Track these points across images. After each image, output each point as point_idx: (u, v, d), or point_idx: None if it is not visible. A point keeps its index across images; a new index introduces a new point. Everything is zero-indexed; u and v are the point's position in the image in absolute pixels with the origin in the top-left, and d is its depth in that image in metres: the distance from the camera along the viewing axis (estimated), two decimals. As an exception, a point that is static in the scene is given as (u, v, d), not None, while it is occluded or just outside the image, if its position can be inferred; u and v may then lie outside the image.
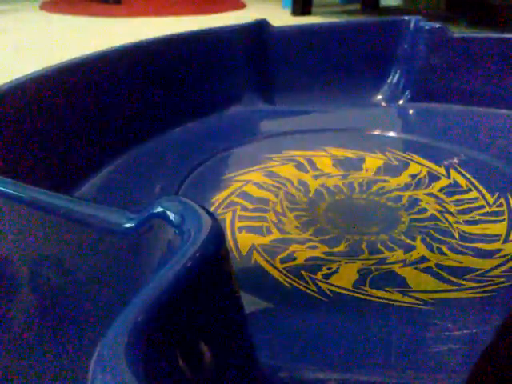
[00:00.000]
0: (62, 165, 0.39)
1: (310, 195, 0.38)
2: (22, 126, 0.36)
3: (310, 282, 0.29)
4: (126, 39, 0.50)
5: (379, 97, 0.58)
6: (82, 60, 0.43)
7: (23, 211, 0.22)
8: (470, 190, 0.39)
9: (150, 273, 0.16)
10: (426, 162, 0.44)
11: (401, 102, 0.57)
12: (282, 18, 1.25)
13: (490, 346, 0.16)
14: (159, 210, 0.18)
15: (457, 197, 0.38)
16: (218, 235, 0.17)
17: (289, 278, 0.29)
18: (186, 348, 0.15)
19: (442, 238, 0.33)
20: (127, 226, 0.18)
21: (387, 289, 0.28)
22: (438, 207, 0.36)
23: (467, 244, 0.32)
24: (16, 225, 0.22)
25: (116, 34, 1.08)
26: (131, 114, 0.47)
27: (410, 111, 0.56)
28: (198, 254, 0.16)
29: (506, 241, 0.32)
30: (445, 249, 0.32)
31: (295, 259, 0.31)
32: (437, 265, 0.30)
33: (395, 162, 0.44)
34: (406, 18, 0.58)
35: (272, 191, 0.39)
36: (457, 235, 0.33)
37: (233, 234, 0.34)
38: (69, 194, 0.23)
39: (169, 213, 0.18)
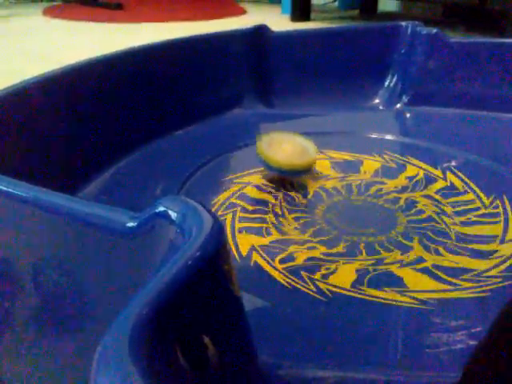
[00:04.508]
0: (64, 166, 0.39)
1: (309, 197, 0.39)
2: (25, 128, 0.37)
3: (308, 281, 0.29)
4: (128, 44, 0.50)
5: (377, 101, 0.59)
6: (85, 64, 0.44)
7: (26, 211, 0.22)
8: (467, 191, 0.40)
9: (152, 271, 0.17)
10: (422, 164, 0.44)
11: (398, 105, 0.58)
12: (281, 23, 1.26)
13: (483, 339, 0.16)
14: (161, 209, 0.18)
15: (453, 198, 0.38)
16: (218, 233, 0.17)
17: (288, 277, 0.29)
18: (186, 343, 0.16)
19: (439, 238, 0.33)
20: (129, 225, 0.19)
21: (385, 289, 0.28)
22: (435, 209, 0.37)
23: (463, 245, 0.33)
24: (19, 224, 0.23)
25: (117, 39, 1.09)
26: (133, 117, 0.48)
27: (407, 115, 0.57)
28: (199, 252, 0.16)
29: (501, 242, 0.33)
30: (441, 249, 0.32)
31: (294, 259, 0.31)
32: (434, 265, 0.30)
33: (393, 165, 0.44)
34: (403, 23, 0.59)
35: (271, 193, 0.39)
36: (453, 236, 0.34)
37: (233, 234, 0.34)
38: (72, 195, 0.24)
39: (170, 212, 0.18)
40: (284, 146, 0.40)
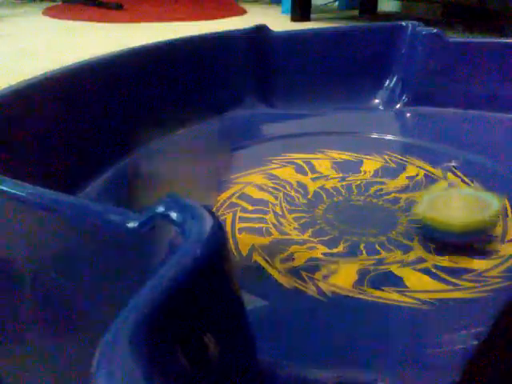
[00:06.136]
0: (65, 166, 0.39)
1: (309, 197, 0.39)
2: (25, 128, 0.37)
3: (309, 282, 0.29)
4: (128, 44, 0.50)
5: (377, 101, 0.59)
6: (85, 64, 0.44)
7: (28, 211, 0.22)
8: (467, 191, 0.39)
9: (152, 271, 0.17)
10: (423, 164, 0.44)
11: (398, 105, 0.58)
12: (281, 23, 1.27)
13: (484, 339, 0.16)
14: (161, 209, 0.18)
15: (454, 199, 0.38)
16: (219, 233, 0.17)
17: (288, 278, 0.29)
18: (187, 343, 0.16)
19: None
20: (130, 225, 0.19)
21: (385, 289, 0.28)
22: (436, 209, 0.37)
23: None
24: (20, 224, 0.23)
25: (118, 39, 1.09)
26: (134, 117, 0.48)
27: (408, 115, 0.57)
28: (199, 252, 0.16)
29: (502, 241, 0.33)
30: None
31: (294, 260, 0.31)
32: (434, 265, 0.30)
33: (393, 165, 0.44)
34: (403, 23, 0.59)
35: (272, 193, 0.39)
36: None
37: (233, 234, 0.34)
38: (72, 195, 0.24)
39: (171, 212, 0.18)
40: (453, 203, 0.31)
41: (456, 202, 0.31)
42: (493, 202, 0.31)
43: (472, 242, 0.31)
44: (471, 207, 0.31)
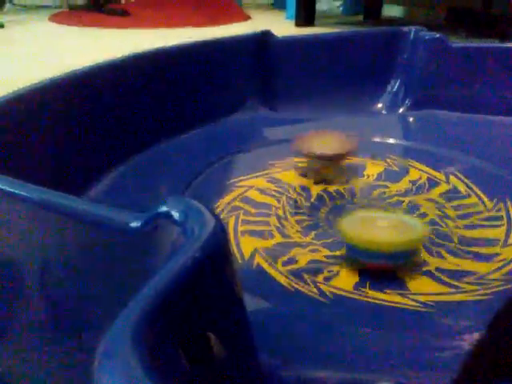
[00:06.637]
0: (72, 168, 0.39)
1: (312, 200, 0.39)
2: (33, 133, 0.37)
3: (311, 284, 0.29)
4: (134, 50, 0.51)
5: (380, 105, 0.59)
6: (91, 68, 0.44)
7: (33, 212, 0.22)
8: (469, 195, 0.40)
9: (155, 270, 0.17)
10: (425, 168, 0.44)
11: (401, 109, 0.58)
12: (285, 28, 1.27)
13: (482, 336, 0.16)
14: (164, 209, 0.19)
15: (456, 202, 0.38)
16: (220, 234, 0.17)
17: (291, 280, 0.30)
18: (188, 341, 0.16)
19: (442, 241, 0.33)
20: (133, 225, 0.19)
21: (387, 291, 0.28)
22: (438, 212, 0.37)
23: (466, 248, 0.33)
24: (26, 225, 0.23)
25: (124, 45, 1.10)
26: (139, 120, 0.48)
27: (410, 119, 0.57)
28: (199, 253, 0.16)
29: (504, 245, 0.33)
30: (444, 252, 0.32)
31: (297, 262, 0.31)
32: (436, 268, 0.30)
33: (395, 168, 0.45)
34: (406, 28, 0.59)
35: (274, 196, 0.40)
36: (456, 239, 0.34)
37: (236, 237, 0.34)
38: (80, 196, 0.24)
39: (173, 212, 0.18)
40: (379, 224, 0.30)
41: (381, 223, 0.30)
42: (416, 227, 0.30)
43: (395, 264, 0.30)
44: (396, 228, 0.30)
